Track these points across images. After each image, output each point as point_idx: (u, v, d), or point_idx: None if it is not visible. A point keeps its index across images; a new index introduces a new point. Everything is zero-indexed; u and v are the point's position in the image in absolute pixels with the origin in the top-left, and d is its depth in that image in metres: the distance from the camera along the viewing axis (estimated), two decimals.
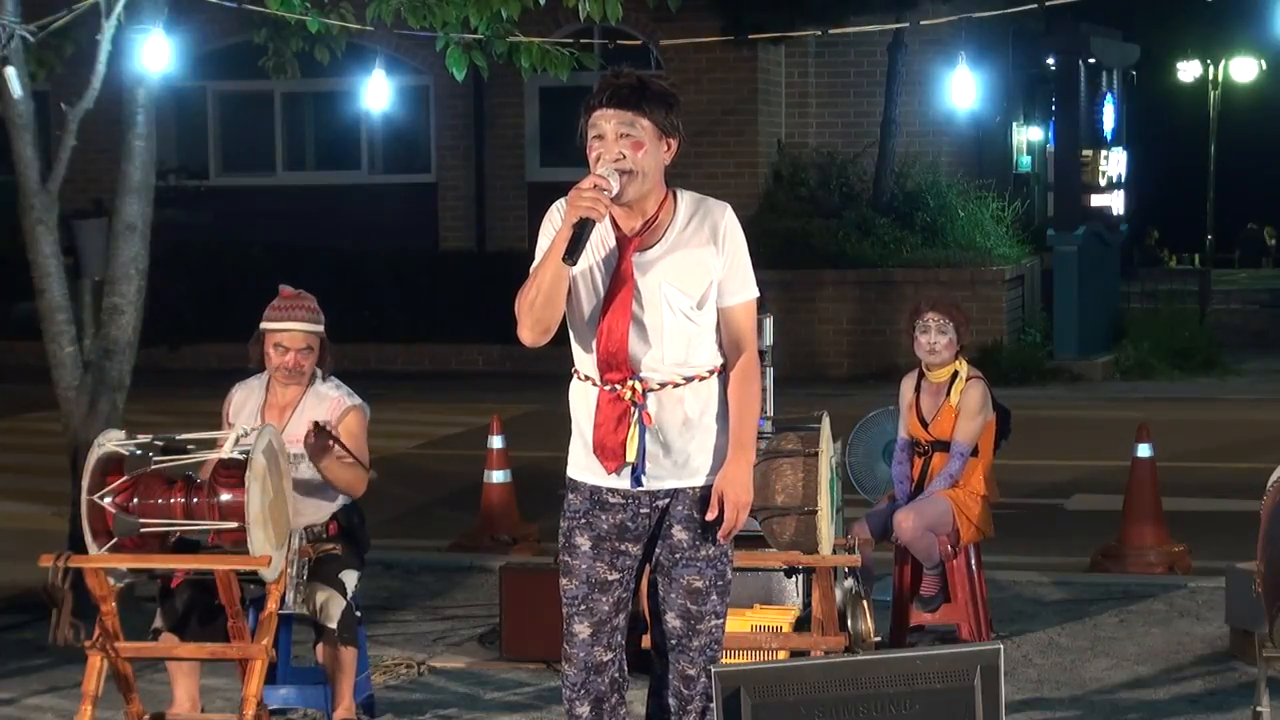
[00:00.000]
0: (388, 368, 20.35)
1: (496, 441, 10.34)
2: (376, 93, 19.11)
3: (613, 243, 4.89)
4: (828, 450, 6.47)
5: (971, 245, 20.63)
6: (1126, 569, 9.63)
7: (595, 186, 4.74)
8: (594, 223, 4.75)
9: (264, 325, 6.67)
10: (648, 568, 5.07)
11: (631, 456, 4.87)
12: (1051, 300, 20.81)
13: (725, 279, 4.93)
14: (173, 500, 6.02)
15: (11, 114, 8.68)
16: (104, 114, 8.99)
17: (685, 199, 4.96)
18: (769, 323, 8.90)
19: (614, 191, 4.78)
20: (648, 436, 4.88)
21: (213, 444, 6.18)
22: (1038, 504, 12.12)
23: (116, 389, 8.88)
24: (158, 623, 6.41)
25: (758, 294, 5.01)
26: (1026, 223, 22.02)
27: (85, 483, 5.97)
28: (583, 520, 4.98)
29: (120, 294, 8.97)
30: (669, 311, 4.87)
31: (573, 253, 4.74)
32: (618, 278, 4.85)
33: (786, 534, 6.39)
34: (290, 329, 6.63)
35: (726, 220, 4.94)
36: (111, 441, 6.09)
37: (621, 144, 4.82)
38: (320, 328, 6.69)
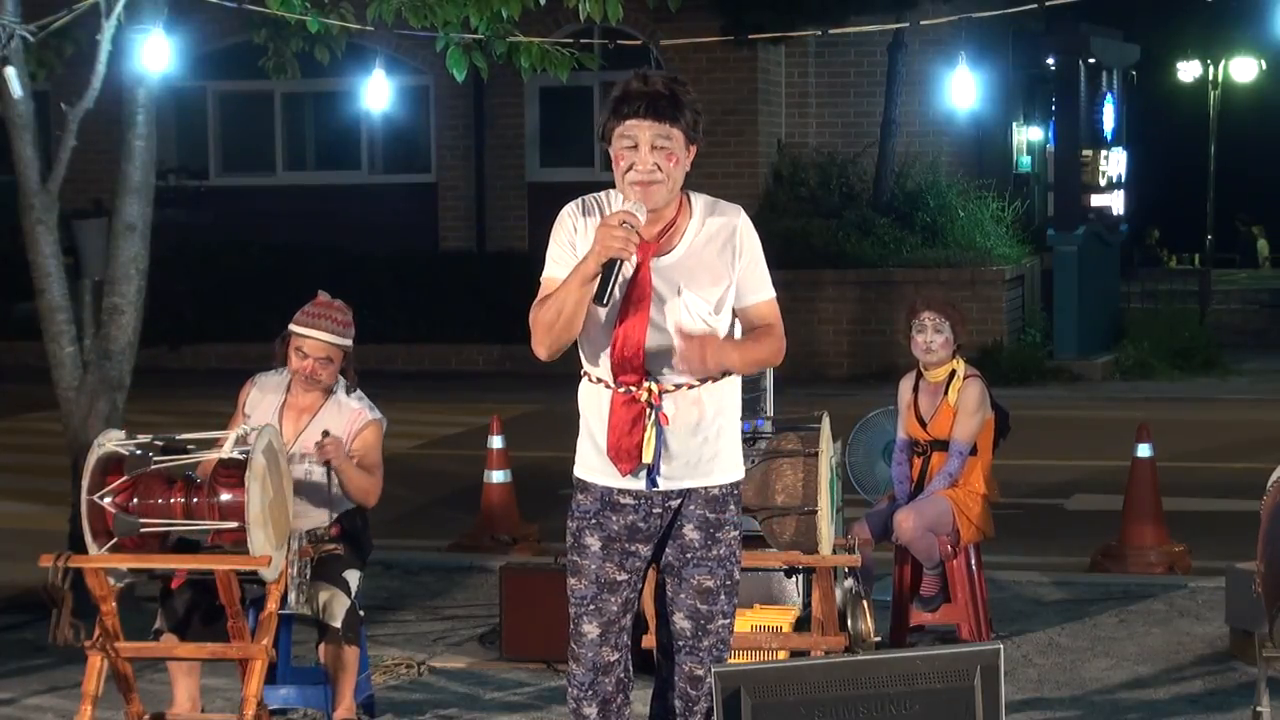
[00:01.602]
0: (388, 368, 20.33)
1: (496, 441, 10.34)
2: (376, 93, 19.10)
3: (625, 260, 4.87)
4: (828, 450, 6.47)
5: (971, 245, 20.64)
6: (1126, 569, 9.63)
7: (624, 224, 4.72)
8: (623, 261, 4.74)
9: (291, 327, 6.67)
10: (653, 568, 5.06)
11: (648, 458, 4.86)
12: (1051, 300, 20.81)
13: (743, 280, 4.93)
14: (173, 500, 6.02)
15: (11, 114, 8.68)
16: (104, 114, 8.99)
17: (699, 202, 4.95)
18: None
19: (642, 224, 4.77)
20: (663, 438, 4.88)
21: (213, 444, 6.18)
22: (1038, 504, 12.12)
23: (116, 389, 8.88)
24: (159, 623, 6.41)
25: (774, 294, 5.00)
26: (1026, 223, 22.03)
27: (85, 483, 5.97)
28: (593, 520, 4.97)
29: (120, 294, 8.97)
30: (686, 316, 4.85)
31: (602, 295, 4.72)
32: (635, 283, 4.84)
33: (786, 534, 6.39)
34: (312, 337, 6.62)
35: (742, 224, 4.94)
36: (111, 441, 6.09)
37: (656, 155, 4.80)
38: (345, 341, 6.67)
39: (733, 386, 5.00)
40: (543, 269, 4.92)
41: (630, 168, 4.81)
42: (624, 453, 4.87)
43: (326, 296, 6.75)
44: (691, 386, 4.89)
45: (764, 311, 4.96)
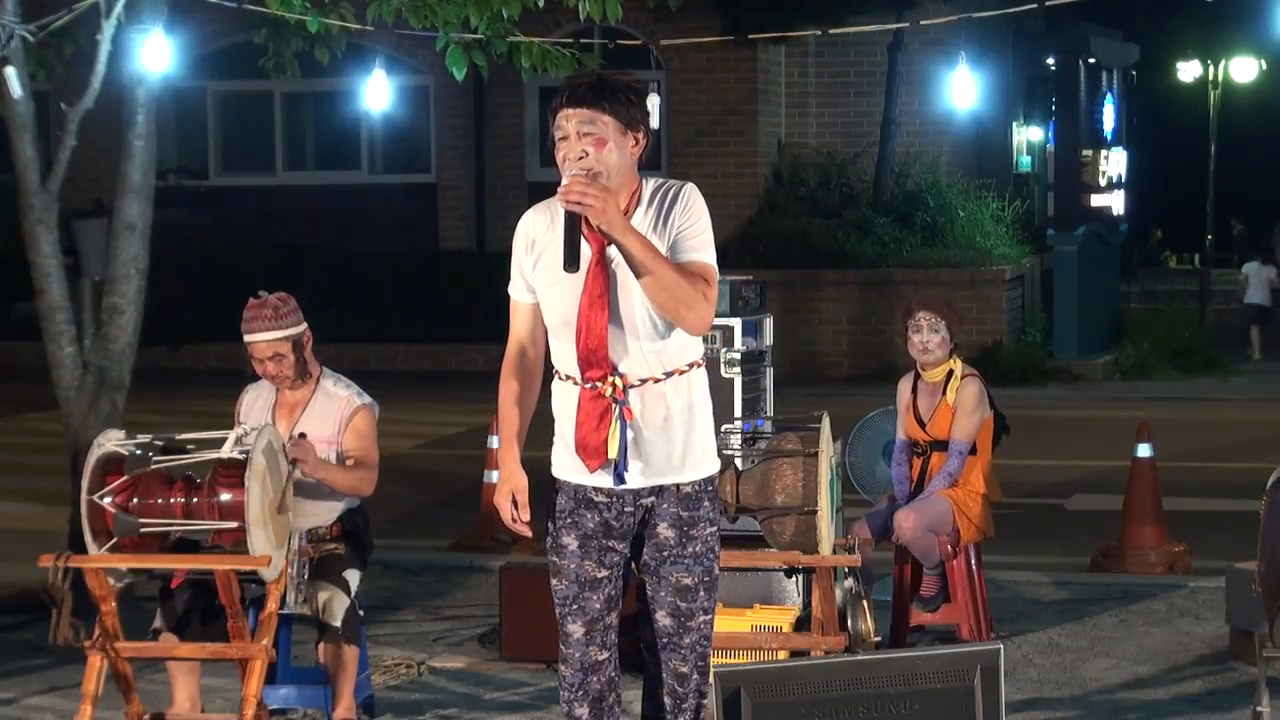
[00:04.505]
0: (388, 368, 20.34)
1: (496, 441, 10.33)
2: (376, 93, 19.13)
3: (584, 241, 4.84)
4: (828, 450, 6.47)
5: (971, 245, 20.65)
6: (1126, 569, 9.63)
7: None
8: (579, 218, 4.72)
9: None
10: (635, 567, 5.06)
11: (613, 454, 4.86)
12: (1051, 300, 20.82)
13: (681, 236, 4.82)
14: (173, 500, 6.02)
15: (11, 114, 8.67)
16: (104, 114, 8.99)
17: (650, 185, 4.92)
18: (768, 322, 8.91)
19: (587, 174, 4.74)
20: (629, 433, 4.87)
21: (213, 444, 6.18)
22: (1038, 504, 12.12)
23: (116, 389, 8.88)
24: (157, 623, 6.41)
25: (715, 267, 4.86)
26: (1026, 223, 22.05)
27: (85, 483, 5.97)
28: (569, 520, 5.00)
29: (120, 294, 8.97)
30: (641, 300, 4.82)
31: (574, 261, 4.72)
32: (592, 274, 4.83)
33: (786, 534, 6.39)
34: (252, 340, 6.58)
35: (686, 192, 4.88)
36: (111, 441, 6.09)
37: (584, 142, 4.79)
38: (284, 331, 6.56)
39: (701, 381, 4.97)
40: None
41: (564, 159, 4.81)
42: (590, 449, 4.88)
43: (260, 298, 6.64)
44: (656, 381, 4.87)
45: (699, 267, 4.81)
